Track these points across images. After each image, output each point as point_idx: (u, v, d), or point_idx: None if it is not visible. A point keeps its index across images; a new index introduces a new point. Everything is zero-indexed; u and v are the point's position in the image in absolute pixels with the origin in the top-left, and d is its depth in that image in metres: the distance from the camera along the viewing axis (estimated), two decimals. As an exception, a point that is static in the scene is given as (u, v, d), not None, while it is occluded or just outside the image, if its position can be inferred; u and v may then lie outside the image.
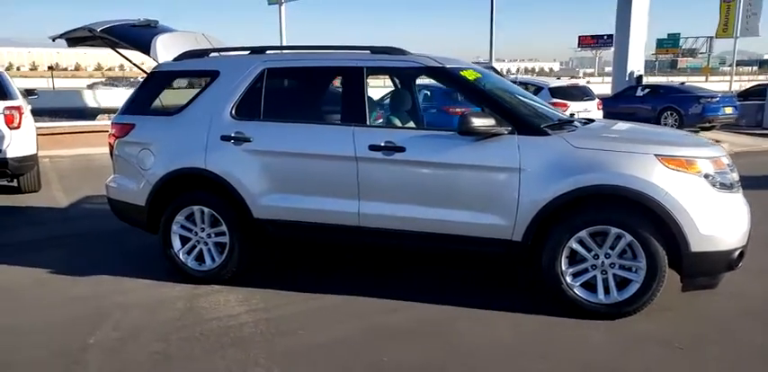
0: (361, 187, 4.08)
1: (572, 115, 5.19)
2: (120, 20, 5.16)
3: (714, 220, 3.62)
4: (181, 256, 4.52)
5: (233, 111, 4.38)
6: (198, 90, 4.62)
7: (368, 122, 4.15)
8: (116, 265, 4.96)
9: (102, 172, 9.80)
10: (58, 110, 15.99)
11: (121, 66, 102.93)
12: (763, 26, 23.35)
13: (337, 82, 6.27)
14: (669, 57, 60.28)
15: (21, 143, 7.40)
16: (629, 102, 17.05)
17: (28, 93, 8.78)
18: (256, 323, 3.84)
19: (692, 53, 63.77)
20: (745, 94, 20.29)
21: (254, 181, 4.28)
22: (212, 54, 4.81)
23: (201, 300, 4.23)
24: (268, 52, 4.60)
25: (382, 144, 4.00)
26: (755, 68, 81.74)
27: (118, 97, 24.30)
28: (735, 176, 3.84)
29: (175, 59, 4.75)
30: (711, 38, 57.01)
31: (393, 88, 5.47)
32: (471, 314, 3.93)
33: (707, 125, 15.66)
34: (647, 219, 3.64)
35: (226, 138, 4.33)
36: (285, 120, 4.37)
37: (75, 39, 5.54)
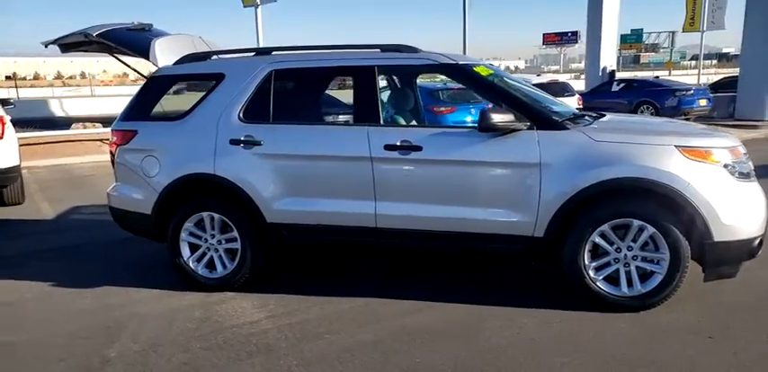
0: (378, 188, 4.01)
1: (580, 109, 5.20)
2: (115, 24, 5.01)
3: (735, 209, 3.64)
4: (191, 264, 4.41)
5: (241, 115, 4.28)
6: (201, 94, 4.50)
7: (381, 122, 4.10)
8: (118, 276, 4.82)
9: (82, 182, 9.68)
10: (29, 120, 15.55)
11: (82, 74, 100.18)
12: (726, 20, 23.91)
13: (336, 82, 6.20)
14: (632, 52, 61.40)
15: (4, 154, 7.15)
16: (605, 97, 17.29)
17: (3, 102, 8.50)
18: (279, 328, 3.75)
19: (654, 48, 65.16)
20: (715, 87, 20.71)
21: (266, 185, 4.18)
22: (213, 56, 4.70)
23: (217, 308, 4.12)
24: (274, 53, 4.51)
25: (398, 143, 3.94)
26: (715, 61, 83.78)
27: (87, 106, 23.83)
28: (751, 165, 3.86)
29: (176, 63, 4.63)
30: (674, 33, 58.29)
31: (393, 87, 5.41)
32: (497, 313, 3.88)
33: (682, 118, 15.93)
34: (669, 210, 3.65)
35: (235, 142, 4.23)
36: (296, 122, 4.30)
37: (69, 44, 5.37)
